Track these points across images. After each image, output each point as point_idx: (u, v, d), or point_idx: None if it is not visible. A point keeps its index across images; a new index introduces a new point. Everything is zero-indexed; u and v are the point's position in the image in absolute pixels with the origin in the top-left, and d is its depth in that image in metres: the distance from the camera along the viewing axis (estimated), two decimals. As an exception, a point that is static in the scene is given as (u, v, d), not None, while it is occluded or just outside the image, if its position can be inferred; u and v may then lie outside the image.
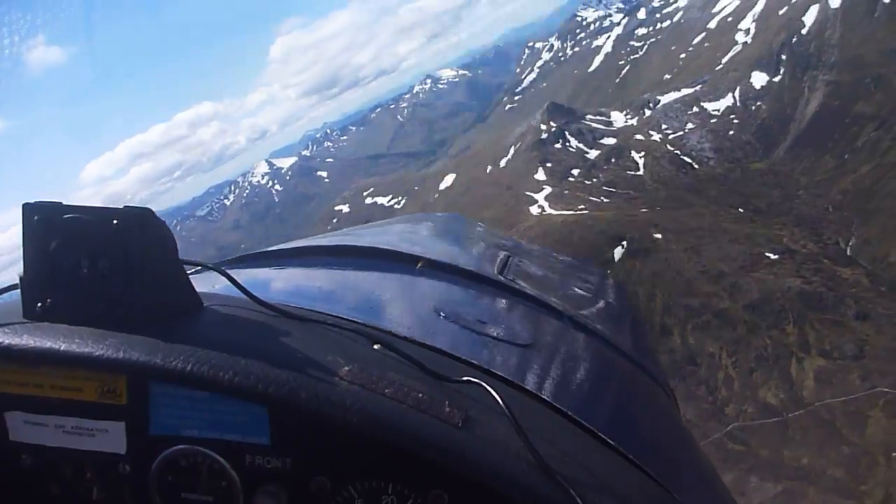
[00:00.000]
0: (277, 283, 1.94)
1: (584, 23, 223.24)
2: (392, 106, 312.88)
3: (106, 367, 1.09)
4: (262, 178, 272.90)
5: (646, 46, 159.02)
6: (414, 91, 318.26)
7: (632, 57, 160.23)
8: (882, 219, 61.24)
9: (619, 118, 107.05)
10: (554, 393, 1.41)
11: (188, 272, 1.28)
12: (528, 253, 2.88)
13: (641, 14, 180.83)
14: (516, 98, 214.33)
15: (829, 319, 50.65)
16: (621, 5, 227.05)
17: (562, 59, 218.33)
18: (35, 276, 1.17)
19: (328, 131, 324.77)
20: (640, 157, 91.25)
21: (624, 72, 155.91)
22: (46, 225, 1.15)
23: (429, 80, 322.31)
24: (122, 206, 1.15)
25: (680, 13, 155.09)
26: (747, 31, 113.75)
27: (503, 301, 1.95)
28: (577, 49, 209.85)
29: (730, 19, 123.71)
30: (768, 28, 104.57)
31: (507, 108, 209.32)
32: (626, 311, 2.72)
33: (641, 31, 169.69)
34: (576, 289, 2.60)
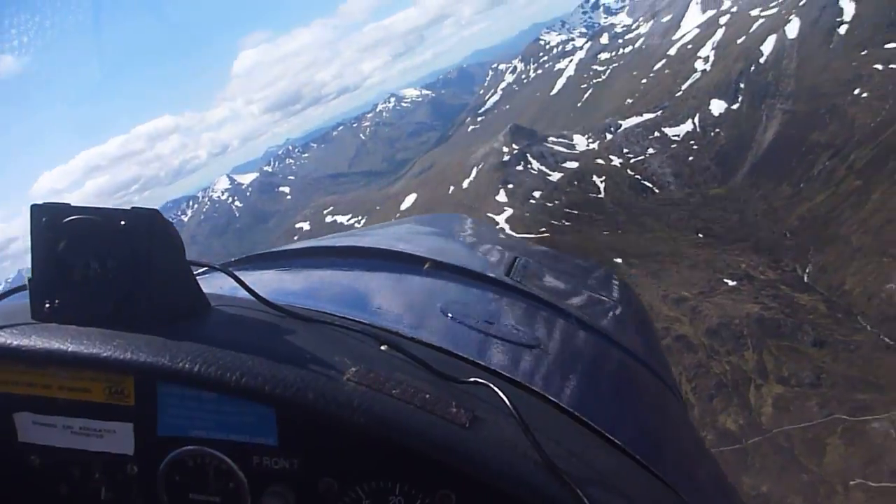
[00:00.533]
0: (284, 283, 1.93)
1: (548, 46, 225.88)
2: (355, 124, 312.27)
3: (114, 368, 1.09)
4: (223, 194, 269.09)
5: (608, 71, 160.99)
6: (377, 110, 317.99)
7: (594, 81, 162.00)
8: (837, 246, 62.11)
9: (581, 141, 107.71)
10: (561, 394, 1.41)
11: (195, 273, 1.29)
12: (535, 254, 2.79)
13: (604, 39, 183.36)
14: (479, 119, 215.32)
15: (787, 346, 50.91)
16: (584, 30, 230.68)
17: (525, 81, 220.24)
18: (43, 276, 1.17)
19: (290, 148, 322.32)
20: (602, 181, 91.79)
21: (586, 95, 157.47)
22: (54, 226, 1.15)
23: (392, 99, 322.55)
24: (129, 207, 1.16)
25: (642, 39, 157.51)
26: (706, 59, 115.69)
27: (510, 302, 1.94)
28: (540, 72, 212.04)
29: (690, 47, 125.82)
30: (727, 56, 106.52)
31: (469, 129, 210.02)
32: (633, 311, 2.66)
33: (604, 55, 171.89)
34: (583, 290, 2.57)
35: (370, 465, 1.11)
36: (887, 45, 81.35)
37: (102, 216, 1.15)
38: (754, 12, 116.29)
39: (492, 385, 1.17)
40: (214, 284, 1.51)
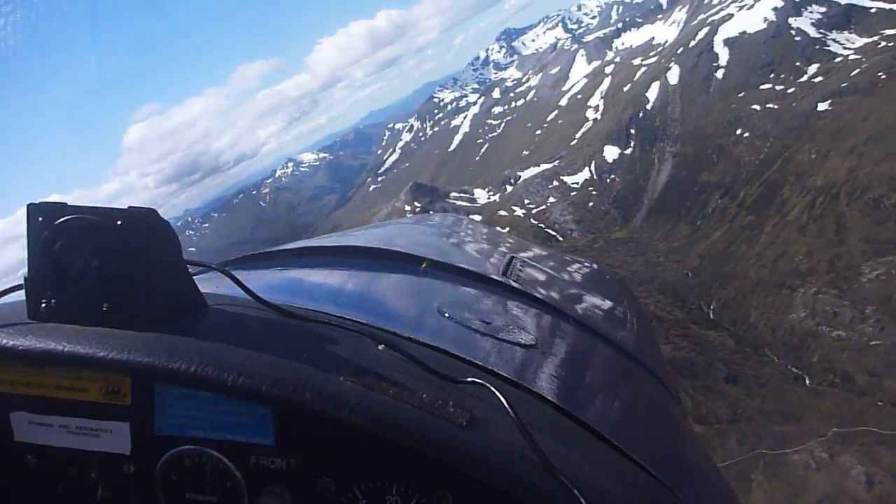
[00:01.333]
0: (281, 283, 1.94)
1: (442, 103, 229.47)
2: (254, 191, 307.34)
3: (110, 368, 1.09)
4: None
5: (503, 125, 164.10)
6: (276, 175, 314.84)
7: (490, 135, 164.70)
8: (738, 282, 63.53)
9: (482, 195, 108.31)
10: (558, 393, 1.40)
11: (192, 273, 1.29)
12: (532, 254, 2.82)
13: (496, 93, 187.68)
14: (379, 179, 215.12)
15: (702, 385, 51.04)
16: (476, 86, 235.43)
17: (422, 139, 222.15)
18: (39, 276, 1.17)
19: (189, 219, 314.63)
20: (506, 232, 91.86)
21: (483, 149, 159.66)
22: (51, 225, 1.16)
23: (290, 164, 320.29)
24: (126, 207, 1.16)
25: (532, 92, 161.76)
26: (597, 108, 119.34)
27: (507, 302, 1.95)
28: (436, 129, 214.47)
29: (579, 97, 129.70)
30: (616, 104, 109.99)
31: (370, 189, 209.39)
32: (631, 312, 2.66)
33: (497, 109, 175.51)
34: (580, 290, 2.63)
35: (367, 464, 1.11)
36: (762, 87, 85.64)
37: (99, 215, 1.15)
38: (636, 61, 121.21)
39: (489, 385, 1.17)
40: (211, 284, 1.49)
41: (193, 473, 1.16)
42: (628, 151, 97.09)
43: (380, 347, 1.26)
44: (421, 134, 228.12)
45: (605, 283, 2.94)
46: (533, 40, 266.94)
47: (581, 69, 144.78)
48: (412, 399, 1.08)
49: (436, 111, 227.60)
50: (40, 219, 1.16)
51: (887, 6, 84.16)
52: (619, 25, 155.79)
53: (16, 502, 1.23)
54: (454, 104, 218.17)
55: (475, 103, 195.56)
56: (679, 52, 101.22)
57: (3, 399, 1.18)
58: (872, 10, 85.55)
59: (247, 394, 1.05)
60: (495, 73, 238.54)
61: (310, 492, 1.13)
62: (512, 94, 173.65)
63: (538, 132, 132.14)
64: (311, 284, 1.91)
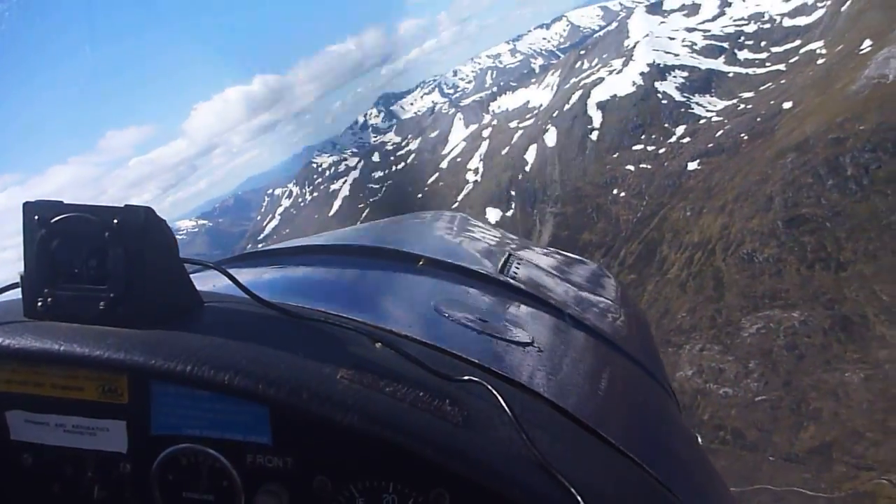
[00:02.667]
0: (278, 281, 1.95)
1: (321, 168, 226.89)
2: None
3: (107, 367, 1.09)
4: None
5: (383, 188, 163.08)
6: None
7: (371, 199, 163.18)
8: (627, 340, 63.38)
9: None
10: (555, 392, 1.40)
11: (189, 271, 1.29)
12: (529, 252, 2.89)
13: (376, 157, 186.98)
14: (260, 245, 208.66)
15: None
16: (355, 150, 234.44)
17: (302, 204, 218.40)
18: (36, 274, 1.17)
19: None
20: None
21: (365, 214, 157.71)
22: (47, 224, 1.16)
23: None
24: (122, 205, 1.17)
25: (413, 155, 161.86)
26: (476, 171, 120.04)
27: (504, 300, 1.98)
28: (315, 194, 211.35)
29: (459, 160, 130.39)
30: (495, 167, 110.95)
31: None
32: (628, 310, 2.70)
33: (378, 173, 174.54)
34: (578, 288, 2.61)
35: (364, 463, 1.11)
36: (635, 148, 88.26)
37: (95, 214, 1.15)
38: (513, 124, 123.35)
39: (486, 383, 1.18)
40: (208, 282, 1.51)
41: (190, 472, 1.16)
42: (510, 213, 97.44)
43: (377, 346, 1.26)
44: (300, 199, 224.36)
45: (602, 282, 2.92)
46: (411, 104, 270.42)
47: (459, 132, 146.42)
48: (409, 398, 1.09)
49: (315, 176, 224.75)
50: (36, 217, 1.16)
51: (743, 70, 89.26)
52: (495, 89, 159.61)
53: (12, 501, 1.23)
54: (333, 169, 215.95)
55: (355, 167, 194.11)
56: (554, 114, 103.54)
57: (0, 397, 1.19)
58: (730, 75, 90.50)
59: (243, 393, 1.05)
60: (375, 137, 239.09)
61: (306, 490, 1.13)
62: (392, 158, 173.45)
63: (419, 196, 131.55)
64: (309, 283, 1.92)
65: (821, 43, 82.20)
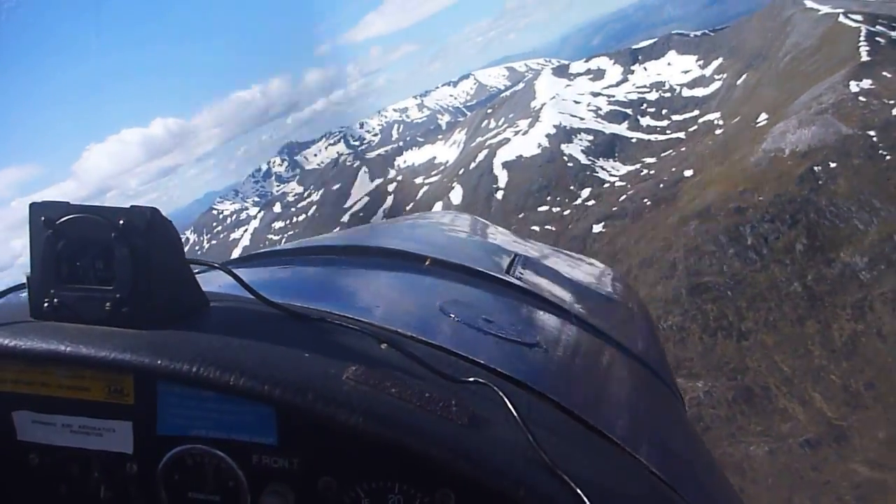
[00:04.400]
0: (284, 282, 1.96)
1: (221, 216, 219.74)
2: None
3: (113, 367, 1.09)
4: None
5: (283, 240, 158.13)
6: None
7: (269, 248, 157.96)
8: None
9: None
10: (561, 392, 1.40)
11: (195, 272, 1.29)
12: (536, 252, 2.88)
13: (277, 208, 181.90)
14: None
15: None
16: (257, 198, 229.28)
17: (199, 252, 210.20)
18: (42, 275, 1.17)
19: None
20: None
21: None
22: (53, 225, 1.16)
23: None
24: (128, 206, 1.16)
25: (314, 207, 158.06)
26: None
27: (510, 300, 1.98)
28: (214, 242, 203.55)
29: (362, 215, 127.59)
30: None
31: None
32: (633, 310, 2.71)
33: (278, 224, 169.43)
34: (584, 288, 2.62)
35: (369, 464, 1.10)
36: (540, 209, 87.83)
37: (101, 215, 1.15)
38: (419, 180, 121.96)
39: (491, 384, 1.18)
40: (214, 283, 1.51)
41: (196, 473, 1.15)
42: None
43: (382, 346, 1.25)
44: (198, 247, 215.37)
45: (609, 282, 2.90)
46: (315, 154, 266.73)
47: (363, 186, 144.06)
48: (415, 398, 1.08)
49: (214, 223, 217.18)
50: (43, 218, 1.16)
51: (645, 136, 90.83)
52: (401, 143, 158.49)
53: (18, 501, 1.23)
54: (234, 217, 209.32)
55: (255, 217, 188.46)
56: (460, 172, 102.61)
57: (6, 398, 1.18)
58: (633, 140, 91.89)
59: (249, 393, 1.05)
60: (277, 187, 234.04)
61: (312, 491, 1.12)
62: (293, 209, 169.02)
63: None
64: (315, 283, 1.92)
65: (718, 114, 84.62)
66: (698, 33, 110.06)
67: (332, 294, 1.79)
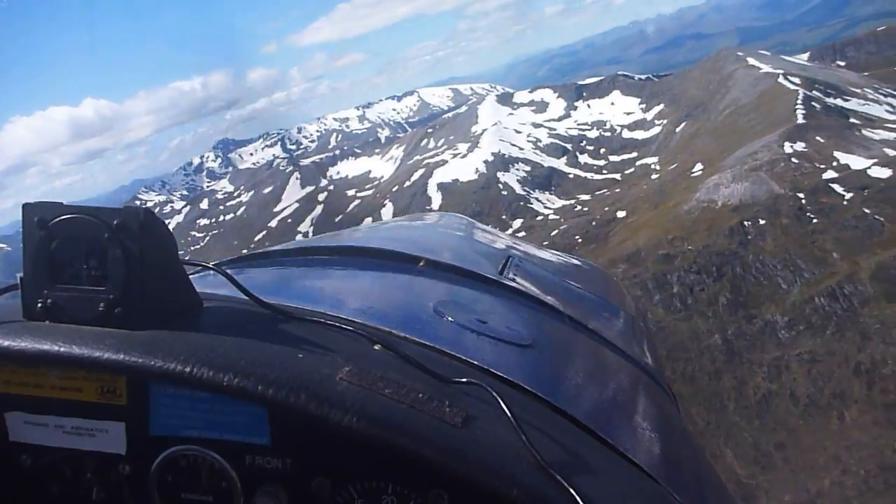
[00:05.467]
0: (278, 283, 1.99)
1: (146, 206, 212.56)
2: None
3: (106, 368, 1.09)
4: None
5: (207, 238, 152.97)
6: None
7: (192, 248, 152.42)
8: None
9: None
10: (554, 393, 1.41)
11: (188, 272, 1.29)
12: (529, 253, 2.90)
13: (204, 204, 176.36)
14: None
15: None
16: (185, 192, 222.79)
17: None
18: (35, 275, 1.17)
19: None
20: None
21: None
22: (46, 225, 1.16)
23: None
24: (122, 207, 1.17)
25: (243, 208, 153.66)
26: (306, 235, 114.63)
27: (504, 301, 2.00)
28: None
29: (290, 220, 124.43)
30: (326, 234, 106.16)
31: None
32: (626, 311, 2.72)
33: (203, 221, 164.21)
34: (577, 289, 2.65)
35: (363, 464, 1.11)
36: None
37: (95, 215, 1.15)
38: (351, 192, 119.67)
39: (484, 385, 1.18)
40: (207, 284, 1.52)
41: (189, 473, 1.16)
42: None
43: (376, 347, 1.26)
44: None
45: (601, 282, 2.93)
46: (251, 154, 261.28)
47: (294, 192, 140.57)
48: (408, 399, 1.08)
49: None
50: (36, 219, 1.16)
51: (582, 174, 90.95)
52: (338, 152, 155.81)
53: (11, 503, 1.23)
54: (158, 209, 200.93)
55: (180, 211, 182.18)
56: (394, 189, 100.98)
57: None
58: (570, 176, 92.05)
59: (242, 394, 1.05)
60: (208, 183, 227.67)
61: (305, 491, 1.13)
62: (221, 208, 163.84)
63: (244, 251, 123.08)
64: (308, 284, 1.95)
65: (656, 159, 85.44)
66: (643, 77, 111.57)
67: (325, 295, 1.80)
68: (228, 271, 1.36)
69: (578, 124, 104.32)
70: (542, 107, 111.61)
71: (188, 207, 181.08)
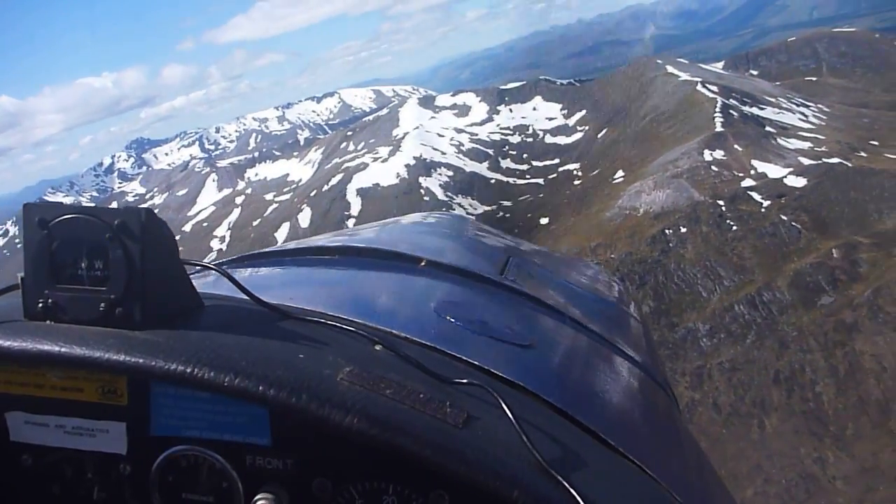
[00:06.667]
0: (278, 283, 2.00)
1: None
2: None
3: (107, 368, 1.09)
4: None
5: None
6: None
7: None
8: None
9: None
10: (554, 393, 1.42)
11: (189, 272, 1.30)
12: (529, 253, 2.92)
13: (114, 206, 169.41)
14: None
15: None
16: (95, 193, 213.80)
17: (19, 245, 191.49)
18: (36, 275, 1.18)
19: None
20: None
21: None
22: (47, 225, 1.16)
23: None
24: (123, 207, 1.18)
25: (156, 211, 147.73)
26: (223, 239, 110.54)
27: (504, 302, 2.01)
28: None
29: (206, 224, 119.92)
30: (243, 238, 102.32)
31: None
32: (627, 311, 2.72)
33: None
34: (577, 289, 2.64)
35: (364, 465, 1.11)
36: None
37: (95, 215, 1.16)
38: (269, 196, 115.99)
39: (485, 385, 1.19)
40: (208, 284, 1.54)
41: (190, 474, 1.16)
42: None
43: (377, 348, 1.27)
44: (18, 240, 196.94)
45: (602, 283, 2.94)
46: (166, 154, 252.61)
47: (210, 195, 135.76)
48: (408, 400, 1.08)
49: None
50: (37, 219, 1.16)
51: (505, 178, 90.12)
52: (257, 154, 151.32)
53: (12, 502, 1.23)
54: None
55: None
56: (312, 194, 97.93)
57: None
58: (492, 181, 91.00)
59: (243, 394, 1.05)
60: (119, 184, 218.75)
61: (306, 492, 1.13)
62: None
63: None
64: (309, 284, 1.95)
65: (578, 165, 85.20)
66: (565, 82, 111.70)
67: (326, 295, 1.79)
68: (229, 271, 1.35)
69: (501, 129, 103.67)
70: (464, 111, 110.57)
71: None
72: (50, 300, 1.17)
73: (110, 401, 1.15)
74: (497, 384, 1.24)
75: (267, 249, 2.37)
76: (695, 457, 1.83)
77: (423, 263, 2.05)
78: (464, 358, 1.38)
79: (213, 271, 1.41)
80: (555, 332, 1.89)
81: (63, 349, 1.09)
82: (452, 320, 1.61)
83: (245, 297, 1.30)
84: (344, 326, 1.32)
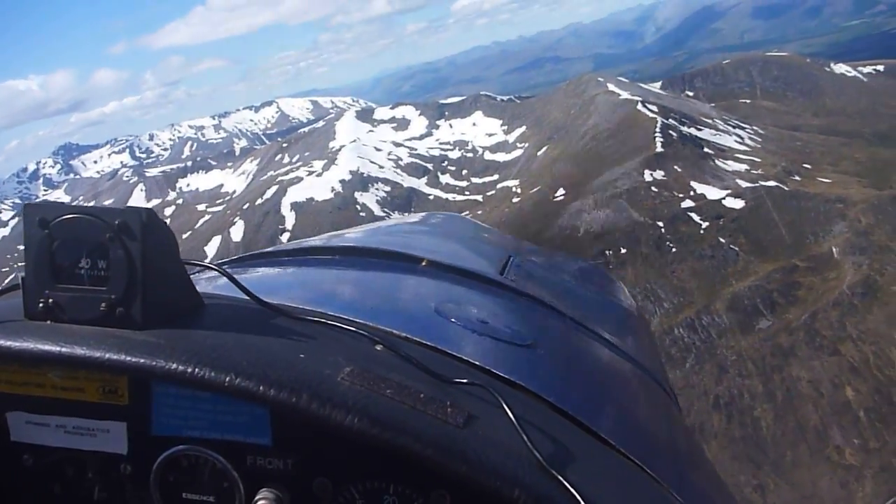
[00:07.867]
0: (279, 283, 2.00)
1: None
2: None
3: (107, 368, 1.09)
4: None
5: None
6: None
7: (18, 264, 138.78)
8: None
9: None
10: (556, 393, 1.42)
11: (190, 272, 1.30)
12: (529, 253, 2.90)
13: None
14: None
15: None
16: (18, 201, 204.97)
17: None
18: (36, 275, 1.18)
19: None
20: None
21: (8, 280, 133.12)
22: (48, 225, 1.17)
23: None
24: (124, 207, 1.18)
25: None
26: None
27: (505, 301, 2.02)
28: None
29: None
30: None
31: None
32: (627, 311, 2.74)
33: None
34: (578, 289, 2.68)
35: (365, 465, 1.11)
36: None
37: (96, 215, 1.16)
38: (201, 207, 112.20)
39: (486, 385, 1.19)
40: (210, 284, 1.55)
41: (190, 473, 1.16)
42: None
43: (377, 348, 1.27)
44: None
45: (602, 282, 2.97)
46: (95, 161, 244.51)
47: (138, 205, 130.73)
48: (409, 399, 1.09)
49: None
50: (37, 219, 1.17)
51: (443, 195, 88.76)
52: (190, 164, 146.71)
53: (12, 502, 1.23)
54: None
55: (7, 223, 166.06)
56: (245, 206, 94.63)
57: (0, 399, 1.19)
58: (431, 197, 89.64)
59: (244, 394, 1.05)
60: (44, 191, 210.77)
61: (307, 492, 1.13)
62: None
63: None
64: (310, 284, 1.95)
65: (517, 182, 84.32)
66: (505, 98, 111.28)
67: (326, 295, 1.80)
68: (229, 271, 1.36)
69: (440, 144, 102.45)
70: (403, 124, 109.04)
71: (16, 220, 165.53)
72: (50, 300, 1.16)
73: (111, 401, 1.15)
74: (498, 384, 1.25)
75: (267, 249, 2.36)
76: (695, 456, 1.82)
77: (423, 263, 2.04)
78: (464, 358, 1.38)
79: (214, 271, 1.41)
80: (555, 331, 1.91)
81: (64, 349, 1.09)
82: (453, 320, 1.61)
83: (246, 297, 1.29)
84: (345, 326, 1.32)
